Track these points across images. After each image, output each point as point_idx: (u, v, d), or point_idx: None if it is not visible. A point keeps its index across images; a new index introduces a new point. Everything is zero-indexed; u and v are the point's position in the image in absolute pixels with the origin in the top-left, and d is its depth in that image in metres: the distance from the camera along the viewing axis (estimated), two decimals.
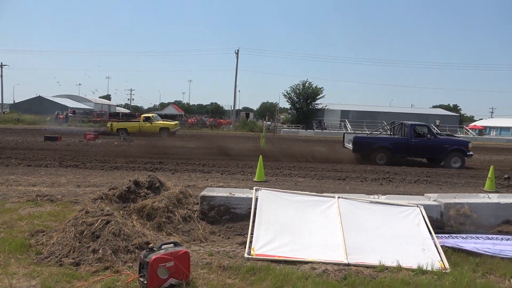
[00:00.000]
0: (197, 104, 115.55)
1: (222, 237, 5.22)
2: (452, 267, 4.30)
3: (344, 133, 17.89)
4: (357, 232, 4.88)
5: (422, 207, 5.31)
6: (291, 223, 5.03)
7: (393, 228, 5.00)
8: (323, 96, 49.89)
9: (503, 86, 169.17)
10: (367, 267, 4.30)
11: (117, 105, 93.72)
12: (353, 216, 5.15)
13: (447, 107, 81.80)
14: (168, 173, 10.57)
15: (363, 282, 3.85)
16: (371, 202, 5.45)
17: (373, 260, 4.40)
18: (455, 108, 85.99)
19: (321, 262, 4.33)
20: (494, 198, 5.93)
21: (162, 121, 29.05)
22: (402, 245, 4.74)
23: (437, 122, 50.24)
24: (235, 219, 5.56)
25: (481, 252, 4.81)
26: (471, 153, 14.20)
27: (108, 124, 27.26)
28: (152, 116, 27.94)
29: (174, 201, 5.47)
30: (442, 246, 4.77)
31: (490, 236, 5.33)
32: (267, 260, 4.37)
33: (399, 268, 4.23)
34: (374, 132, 17.67)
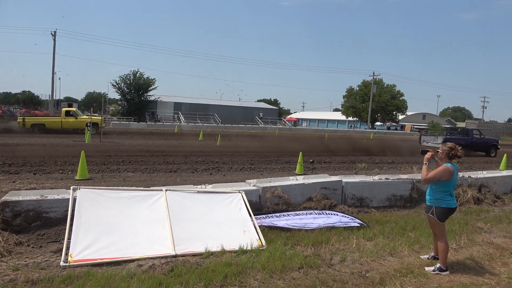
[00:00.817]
0: (3, 92, 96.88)
1: (32, 247, 4.53)
2: (268, 244, 4.84)
3: (421, 135, 25.79)
4: (185, 223, 4.96)
5: (244, 192, 5.78)
6: (116, 221, 4.74)
7: (219, 215, 5.29)
8: (155, 87, 48.90)
9: (312, 85, 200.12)
10: (194, 255, 4.43)
11: None
12: (181, 207, 5.21)
13: (269, 101, 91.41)
14: None
15: (189, 270, 3.95)
16: (198, 192, 5.62)
17: (200, 248, 4.57)
18: (275, 102, 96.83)
19: (148, 258, 4.25)
20: (301, 179, 6.94)
21: (88, 115, 23.96)
22: (227, 229, 5.06)
23: (261, 114, 55.65)
24: (49, 224, 4.90)
25: (291, 227, 5.57)
26: (499, 147, 22.28)
27: (19, 119, 21.77)
28: (76, 110, 24.12)
29: None
30: (260, 226, 5.30)
31: (297, 212, 6.22)
32: (88, 265, 4.01)
33: (223, 252, 4.51)
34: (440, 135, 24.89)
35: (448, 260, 4.49)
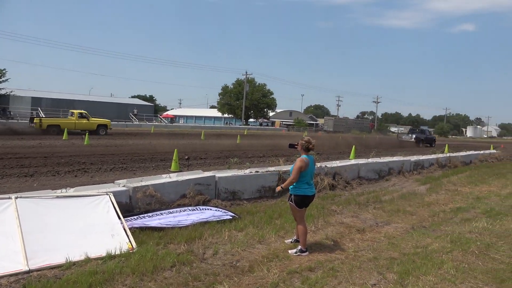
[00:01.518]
0: None
1: None
2: (139, 246, 4.60)
3: (397, 133, 41.02)
4: (41, 233, 4.37)
5: (112, 194, 5.37)
6: None
7: (83, 220, 4.81)
8: (7, 79, 42.00)
9: (187, 81, 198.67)
10: (53, 268, 3.94)
11: None
12: (37, 216, 4.57)
13: (144, 98, 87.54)
14: None
15: (46, 285, 3.50)
16: (58, 197, 5.01)
17: (59, 259, 4.08)
18: (151, 99, 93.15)
19: None
20: (174, 177, 6.81)
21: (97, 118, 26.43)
22: (92, 235, 4.64)
23: (135, 111, 52.90)
24: None
25: (164, 226, 5.42)
26: (436, 141, 34.45)
27: (36, 120, 22.92)
28: (86, 112, 25.45)
29: None
30: (131, 228, 5.01)
31: (171, 210, 6.09)
32: None
33: (87, 260, 4.12)
34: (407, 134, 36.25)
35: (308, 241, 4.96)
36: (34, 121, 23.23)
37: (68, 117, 24.97)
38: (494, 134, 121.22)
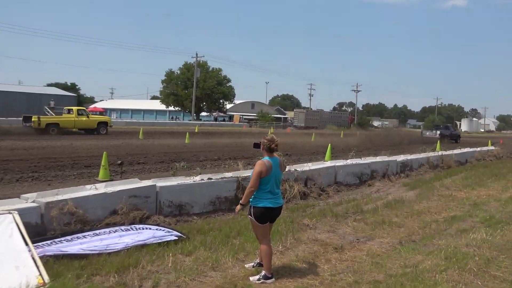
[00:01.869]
0: None
1: None
2: (53, 280, 4.38)
3: (421, 130, 51.82)
4: None
5: (17, 212, 5.08)
6: None
7: None
8: None
9: (122, 66, 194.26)
10: None
11: None
12: None
13: (64, 86, 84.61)
14: None
15: None
16: None
17: None
18: (73, 87, 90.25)
19: None
20: (102, 188, 6.58)
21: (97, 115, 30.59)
22: None
23: (52, 103, 51.01)
24: None
25: (88, 252, 5.23)
26: (460, 136, 44.21)
27: (34, 118, 24.89)
28: (85, 109, 29.28)
29: None
30: (42, 257, 4.79)
31: (97, 231, 5.89)
32: None
33: None
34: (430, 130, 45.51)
35: (274, 264, 4.96)
36: (32, 119, 24.99)
37: (65, 114, 27.37)
38: (492, 127, 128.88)
